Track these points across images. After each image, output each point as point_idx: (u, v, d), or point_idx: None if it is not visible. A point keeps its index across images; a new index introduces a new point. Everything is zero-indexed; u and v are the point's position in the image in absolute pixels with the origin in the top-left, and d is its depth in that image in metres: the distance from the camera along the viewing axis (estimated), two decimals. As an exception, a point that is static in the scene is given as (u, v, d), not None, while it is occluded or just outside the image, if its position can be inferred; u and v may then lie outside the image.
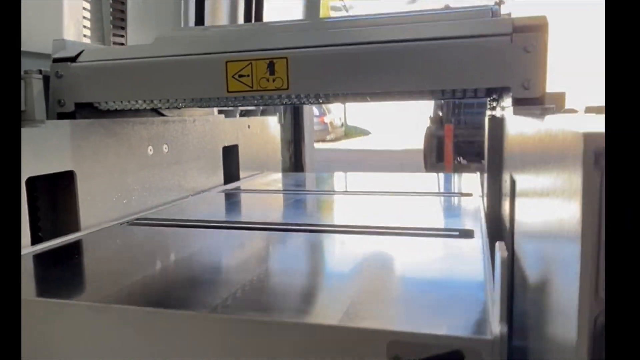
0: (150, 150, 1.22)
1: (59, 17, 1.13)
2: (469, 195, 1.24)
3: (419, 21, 0.91)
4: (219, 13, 1.75)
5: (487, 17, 0.92)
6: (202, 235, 0.96)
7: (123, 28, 1.30)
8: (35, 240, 0.89)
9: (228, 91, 0.88)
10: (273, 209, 1.31)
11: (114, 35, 1.30)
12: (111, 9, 1.29)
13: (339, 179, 1.78)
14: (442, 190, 1.46)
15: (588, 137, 0.31)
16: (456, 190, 1.44)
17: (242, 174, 1.70)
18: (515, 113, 0.74)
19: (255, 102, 0.96)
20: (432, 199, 1.28)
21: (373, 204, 1.23)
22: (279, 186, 1.64)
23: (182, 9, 1.50)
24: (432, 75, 0.79)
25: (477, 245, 0.79)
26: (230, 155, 1.61)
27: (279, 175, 1.85)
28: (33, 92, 0.92)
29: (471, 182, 1.45)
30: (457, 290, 0.64)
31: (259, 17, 1.85)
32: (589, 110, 0.57)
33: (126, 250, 0.89)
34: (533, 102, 0.76)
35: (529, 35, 0.75)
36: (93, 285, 0.71)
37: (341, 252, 0.86)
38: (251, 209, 1.33)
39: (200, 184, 1.45)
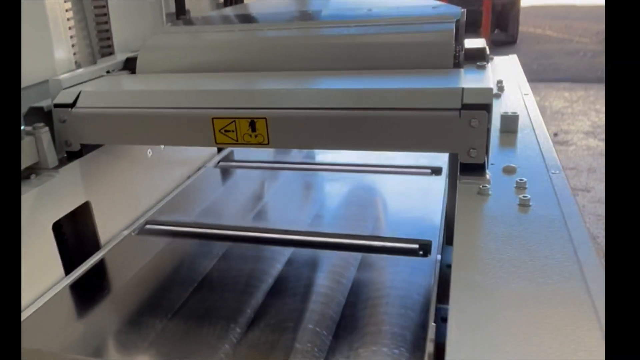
0: (150, 152, 1.35)
1: (47, 39, 1.20)
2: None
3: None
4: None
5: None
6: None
7: (107, 30, 1.36)
8: (65, 263, 1.07)
9: (216, 142, 1.00)
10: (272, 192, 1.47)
11: (100, 39, 1.36)
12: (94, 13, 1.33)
13: None
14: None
15: None
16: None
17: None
18: (460, 181, 0.88)
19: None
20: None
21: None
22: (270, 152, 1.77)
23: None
24: (390, 140, 0.91)
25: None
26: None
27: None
28: (44, 145, 1.03)
29: None
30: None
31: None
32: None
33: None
34: (478, 166, 0.89)
35: (475, 113, 0.86)
36: None
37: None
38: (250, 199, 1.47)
39: (198, 156, 1.60)
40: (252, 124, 0.97)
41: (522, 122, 1.15)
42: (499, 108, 1.25)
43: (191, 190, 1.45)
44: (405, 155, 1.54)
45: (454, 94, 0.87)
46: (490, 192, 0.84)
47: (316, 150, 1.69)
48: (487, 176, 0.89)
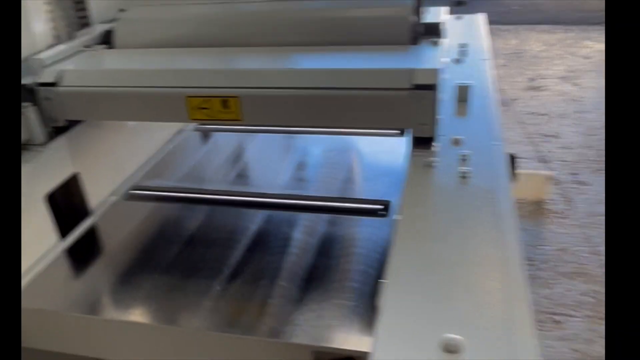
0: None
1: (25, 13, 1.24)
2: None
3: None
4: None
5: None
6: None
7: (82, 1, 1.40)
8: (60, 230, 1.18)
9: (191, 119, 1.09)
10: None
11: (76, 9, 1.40)
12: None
13: None
14: None
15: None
16: None
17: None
18: (412, 154, 0.99)
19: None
20: None
21: None
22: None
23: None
24: (348, 117, 1.01)
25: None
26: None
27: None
28: (31, 122, 1.11)
29: None
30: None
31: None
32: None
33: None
34: (427, 140, 1.00)
35: (423, 92, 0.96)
36: None
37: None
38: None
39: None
40: (225, 102, 1.06)
41: (477, 90, 1.25)
42: (459, 75, 1.34)
43: (172, 155, 1.54)
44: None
45: (404, 75, 0.96)
46: (436, 165, 0.95)
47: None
48: (436, 148, 1.00)
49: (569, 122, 3.29)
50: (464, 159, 0.96)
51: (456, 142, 1.02)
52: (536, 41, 4.83)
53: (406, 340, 0.59)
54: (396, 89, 0.97)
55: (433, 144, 1.00)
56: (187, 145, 1.62)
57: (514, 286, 0.65)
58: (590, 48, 4.56)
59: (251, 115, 1.05)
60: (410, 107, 0.97)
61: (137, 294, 1.00)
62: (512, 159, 1.30)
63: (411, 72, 0.96)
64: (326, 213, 1.21)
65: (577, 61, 4.30)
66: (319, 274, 1.02)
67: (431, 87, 0.95)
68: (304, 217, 1.21)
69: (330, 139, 1.60)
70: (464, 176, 0.91)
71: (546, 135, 3.15)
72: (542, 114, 3.41)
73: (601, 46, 4.56)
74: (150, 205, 1.31)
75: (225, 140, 1.66)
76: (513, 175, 1.30)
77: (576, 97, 3.65)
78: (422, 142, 1.00)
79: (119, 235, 1.20)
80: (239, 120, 1.07)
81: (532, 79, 4.00)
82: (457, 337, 0.58)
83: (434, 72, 0.96)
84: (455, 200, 0.85)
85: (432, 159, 0.96)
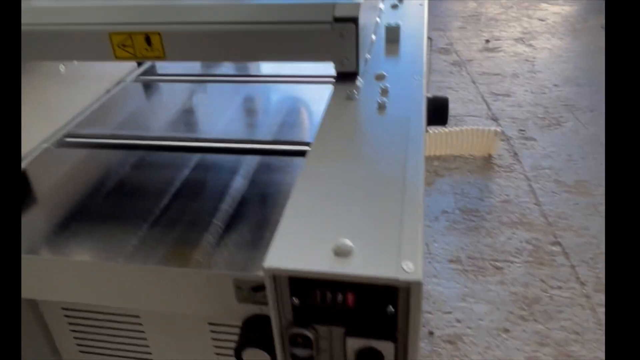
0: (62, 67, 1.39)
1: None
2: None
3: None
4: None
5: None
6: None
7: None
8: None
9: (116, 57, 1.08)
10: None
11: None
12: None
13: None
14: None
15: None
16: None
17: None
18: (335, 88, 1.00)
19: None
20: None
21: None
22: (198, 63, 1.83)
23: None
24: (272, 51, 1.01)
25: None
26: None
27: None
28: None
29: None
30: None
31: None
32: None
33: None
34: (351, 74, 1.01)
35: (344, 25, 0.96)
36: None
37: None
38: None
39: (116, 72, 1.65)
40: (148, 39, 1.04)
41: (410, 32, 1.26)
42: (395, 18, 1.35)
43: (111, 105, 1.52)
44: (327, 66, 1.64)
45: (325, 8, 0.96)
46: (357, 97, 0.96)
47: (245, 64, 1.78)
48: (358, 83, 1.01)
49: (521, 82, 3.36)
50: (384, 91, 0.97)
51: (379, 77, 1.03)
52: (494, 4, 4.87)
53: (300, 246, 0.61)
54: (318, 22, 0.97)
55: (357, 78, 1.01)
56: (125, 95, 1.59)
57: (410, 203, 0.68)
58: (546, 11, 4.62)
59: (175, 52, 1.04)
60: (332, 41, 0.97)
61: (66, 235, 1.00)
62: (446, 102, 1.32)
63: (333, 5, 0.96)
64: (259, 155, 1.22)
65: (533, 23, 4.35)
66: (246, 211, 1.04)
67: (353, 20, 0.95)
68: (236, 159, 1.22)
69: (277, 87, 1.60)
70: (381, 106, 0.92)
71: (498, 94, 3.20)
72: (496, 74, 3.46)
73: (556, 9, 4.62)
74: (83, 152, 1.29)
75: (166, 90, 1.64)
76: (445, 117, 1.33)
77: (529, 57, 3.71)
78: (346, 77, 1.01)
79: (49, 183, 1.18)
80: (162, 58, 1.06)
81: (487, 41, 4.04)
82: (349, 242, 0.60)
83: (356, 5, 0.96)
84: (370, 127, 0.86)
85: (353, 91, 0.97)
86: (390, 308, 0.59)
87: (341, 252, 0.59)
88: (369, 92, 0.97)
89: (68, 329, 1.15)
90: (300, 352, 0.66)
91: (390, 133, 0.84)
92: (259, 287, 0.87)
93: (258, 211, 1.04)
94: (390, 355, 0.62)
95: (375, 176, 0.73)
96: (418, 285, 0.55)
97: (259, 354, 0.87)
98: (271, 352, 0.86)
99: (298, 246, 0.61)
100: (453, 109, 3.06)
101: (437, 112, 1.29)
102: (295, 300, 0.61)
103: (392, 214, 0.66)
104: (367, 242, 0.61)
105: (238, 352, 0.90)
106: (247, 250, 0.93)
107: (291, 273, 0.58)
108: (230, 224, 1.00)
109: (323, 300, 0.60)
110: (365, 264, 0.58)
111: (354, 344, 0.63)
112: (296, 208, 0.68)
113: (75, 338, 1.16)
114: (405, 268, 0.56)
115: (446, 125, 1.35)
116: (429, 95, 1.27)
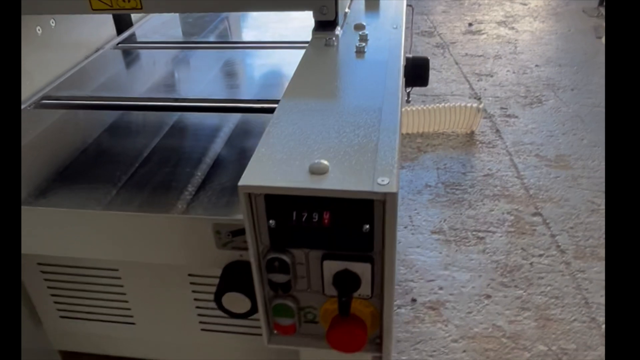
0: (39, 29, 1.37)
1: None
2: None
3: None
4: None
5: None
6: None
7: None
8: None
9: (92, 9, 1.06)
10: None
11: None
12: None
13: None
14: None
15: None
16: None
17: (134, 16, 1.85)
18: (313, 36, 1.00)
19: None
20: None
21: None
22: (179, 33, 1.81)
23: None
24: (251, 1, 1.00)
25: None
26: None
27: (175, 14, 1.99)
28: None
29: None
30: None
31: None
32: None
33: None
34: (330, 23, 1.00)
35: (322, -29, 0.95)
36: None
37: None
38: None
39: (95, 38, 1.62)
40: (124, -11, 1.03)
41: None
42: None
43: (89, 70, 1.50)
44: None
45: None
46: (335, 44, 0.96)
47: (227, 31, 1.77)
48: (337, 32, 1.01)
49: (503, 63, 3.38)
50: (362, 38, 0.97)
51: (359, 27, 1.03)
52: (477, -11, 4.88)
53: (276, 166, 0.61)
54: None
55: (337, 27, 1.01)
56: (105, 61, 1.57)
57: (386, 129, 0.68)
58: (528, -5, 4.64)
59: (152, 3, 1.03)
60: (311, -12, 0.97)
61: (44, 188, 0.98)
62: (427, 62, 1.32)
63: (311, -48, 0.96)
64: (239, 112, 1.21)
65: (515, 7, 4.38)
66: (224, 161, 1.03)
67: (329, -34, 0.95)
68: (216, 117, 1.21)
69: (257, 52, 1.59)
70: (360, 51, 0.92)
71: (480, 75, 3.22)
72: (479, 56, 3.48)
73: (538, -6, 4.65)
74: (59, 113, 1.27)
75: (146, 57, 1.63)
76: (426, 78, 1.33)
77: (512, 39, 3.73)
78: (325, 26, 1.01)
79: (26, 141, 1.17)
80: (139, 9, 1.04)
81: (470, 24, 4.05)
82: (324, 162, 0.60)
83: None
84: (348, 69, 0.86)
85: (332, 39, 0.97)
86: (366, 226, 0.59)
87: (317, 171, 0.59)
88: (348, 40, 0.97)
89: (45, 286, 1.14)
90: (278, 277, 0.66)
91: (368, 73, 0.84)
92: (238, 232, 0.87)
93: (233, 160, 1.04)
94: (368, 277, 0.63)
95: (351, 108, 0.73)
96: (393, 196, 0.55)
97: (239, 299, 0.87)
98: (251, 296, 0.85)
99: (274, 166, 0.61)
100: (436, 88, 3.07)
101: (418, 72, 1.29)
102: (272, 223, 0.61)
103: (367, 138, 0.66)
104: (342, 161, 0.61)
105: (218, 297, 0.89)
106: (226, 197, 0.93)
107: (267, 190, 0.58)
108: (207, 172, 0.99)
109: (299, 220, 0.60)
110: (341, 181, 0.58)
111: (331, 267, 0.63)
112: (272, 135, 0.67)
113: (53, 295, 1.15)
114: (380, 182, 0.56)
115: (426, 85, 1.35)
116: (409, 55, 1.27)
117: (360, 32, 0.98)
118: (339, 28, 1.02)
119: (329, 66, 0.87)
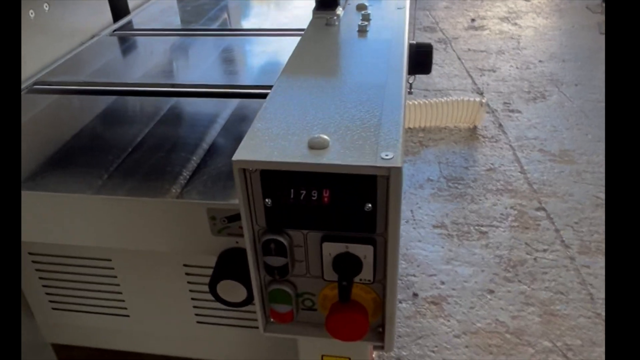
0: (32, 13, 1.33)
1: None
2: None
3: None
4: None
5: None
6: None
7: None
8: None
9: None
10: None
11: None
12: None
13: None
14: None
15: None
16: None
17: (131, 4, 1.81)
18: (314, 16, 0.96)
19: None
20: None
21: None
22: (177, 21, 1.77)
23: None
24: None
25: None
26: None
27: (173, 2, 1.95)
28: None
29: None
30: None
31: None
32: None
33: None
34: (331, 2, 0.97)
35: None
36: None
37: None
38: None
39: (91, 26, 1.59)
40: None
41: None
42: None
43: (84, 56, 1.46)
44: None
45: None
46: (337, 24, 0.92)
47: (221, 20, 1.73)
48: (338, 11, 0.97)
49: (506, 58, 3.34)
50: (365, 18, 0.93)
51: (361, 7, 1.00)
52: (480, -14, 4.84)
53: (272, 141, 0.57)
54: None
55: (338, 7, 0.97)
56: (100, 48, 1.53)
57: (389, 104, 0.64)
58: (531, -8, 4.60)
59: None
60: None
61: (35, 172, 0.95)
62: (430, 48, 1.28)
63: None
64: (237, 98, 1.18)
65: (518, 3, 4.34)
66: (221, 147, 1.00)
67: None
68: (213, 103, 1.18)
69: (255, 39, 1.56)
70: (362, 30, 0.89)
71: (483, 70, 3.18)
72: (481, 51, 3.44)
73: (541, -10, 4.61)
74: (52, 98, 1.24)
75: (142, 44, 1.59)
76: (429, 65, 1.30)
77: (515, 35, 3.69)
78: (326, 6, 0.97)
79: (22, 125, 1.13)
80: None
81: (473, 20, 4.02)
82: (324, 136, 0.57)
83: None
84: (349, 47, 0.83)
85: (333, 18, 0.93)
86: (368, 205, 0.55)
87: (316, 145, 0.55)
88: (350, 19, 0.94)
89: (36, 277, 1.10)
90: (274, 261, 0.62)
91: (370, 51, 0.81)
92: (234, 217, 0.83)
93: (229, 146, 1.00)
94: (370, 260, 0.59)
95: (353, 84, 0.69)
96: (398, 171, 0.51)
97: (235, 287, 0.83)
98: (247, 284, 0.82)
99: (270, 141, 0.57)
100: (438, 83, 3.03)
101: (421, 58, 1.25)
102: (268, 201, 0.58)
103: (370, 113, 0.62)
104: (344, 136, 0.57)
105: (213, 285, 0.86)
106: (221, 181, 0.89)
107: (263, 165, 0.54)
108: (202, 157, 0.96)
109: (297, 198, 0.56)
110: (342, 155, 0.54)
111: (331, 249, 0.59)
112: (269, 110, 0.64)
113: (45, 287, 1.11)
114: (384, 156, 0.53)
115: (429, 73, 1.31)
116: (413, 42, 1.24)
117: (363, 12, 0.94)
118: (340, 8, 0.98)
119: (329, 44, 0.83)
